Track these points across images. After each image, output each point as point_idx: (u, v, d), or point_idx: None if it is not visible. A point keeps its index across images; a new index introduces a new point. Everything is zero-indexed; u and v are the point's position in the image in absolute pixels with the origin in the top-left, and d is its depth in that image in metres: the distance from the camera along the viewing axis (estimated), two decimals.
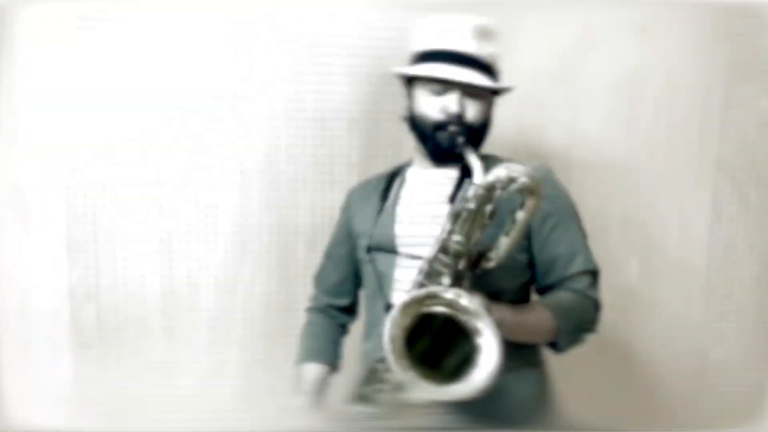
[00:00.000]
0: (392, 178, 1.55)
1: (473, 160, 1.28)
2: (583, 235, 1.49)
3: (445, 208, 1.35)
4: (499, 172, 1.20)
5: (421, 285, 1.24)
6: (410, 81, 1.47)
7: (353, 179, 1.97)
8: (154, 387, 2.02)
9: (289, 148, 1.96)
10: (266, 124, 1.95)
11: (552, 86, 1.99)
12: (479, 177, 1.24)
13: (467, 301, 1.17)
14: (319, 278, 1.67)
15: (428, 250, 1.26)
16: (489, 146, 1.99)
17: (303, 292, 2.00)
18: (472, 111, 1.40)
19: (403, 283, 1.38)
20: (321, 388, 1.56)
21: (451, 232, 1.23)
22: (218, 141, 1.94)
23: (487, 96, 1.44)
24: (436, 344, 1.21)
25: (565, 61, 1.98)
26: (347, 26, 1.92)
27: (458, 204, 1.24)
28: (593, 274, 1.47)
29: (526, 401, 1.47)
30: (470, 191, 1.23)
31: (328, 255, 1.65)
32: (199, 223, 1.97)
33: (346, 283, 1.61)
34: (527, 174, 1.19)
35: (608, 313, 2.10)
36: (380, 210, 1.48)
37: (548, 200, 1.37)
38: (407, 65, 1.47)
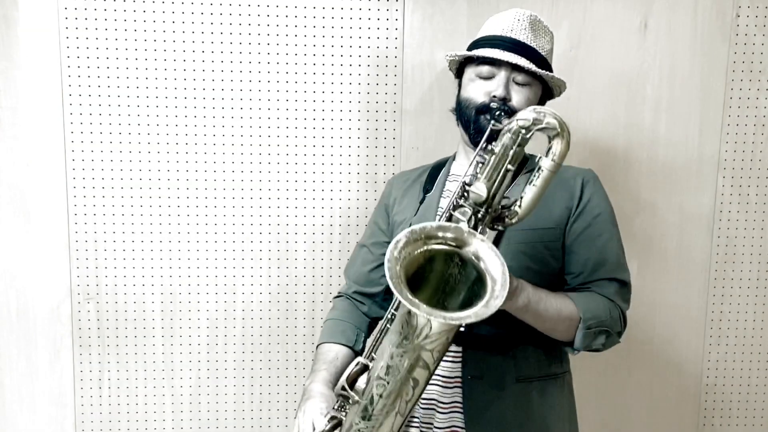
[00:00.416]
0: (436, 169, 1.52)
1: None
2: (620, 246, 1.44)
3: None
4: (525, 113, 1.15)
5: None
6: (461, 70, 1.47)
7: (354, 178, 1.97)
8: (154, 387, 2.03)
9: (289, 147, 1.96)
10: (266, 123, 1.95)
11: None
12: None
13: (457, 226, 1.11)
14: (350, 268, 1.60)
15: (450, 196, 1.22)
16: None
17: (303, 292, 2.01)
18: (517, 97, 1.38)
19: None
20: (339, 366, 1.42)
21: (473, 177, 1.19)
22: (218, 141, 1.94)
23: (534, 86, 1.41)
24: (444, 288, 1.15)
25: (565, 60, 1.98)
26: (355, 21, 1.92)
27: (482, 150, 1.20)
28: (623, 284, 1.42)
29: (550, 414, 1.41)
30: (496, 137, 1.18)
31: (363, 244, 1.59)
32: (200, 223, 1.97)
33: (375, 272, 1.54)
34: (554, 114, 1.13)
35: None
36: (422, 200, 1.46)
37: (592, 195, 1.39)
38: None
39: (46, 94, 1.89)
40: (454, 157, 1.53)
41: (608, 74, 2.00)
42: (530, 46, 1.39)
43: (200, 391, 2.03)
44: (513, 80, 1.38)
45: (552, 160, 1.13)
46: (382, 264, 1.42)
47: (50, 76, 1.88)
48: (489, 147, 1.19)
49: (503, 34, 1.39)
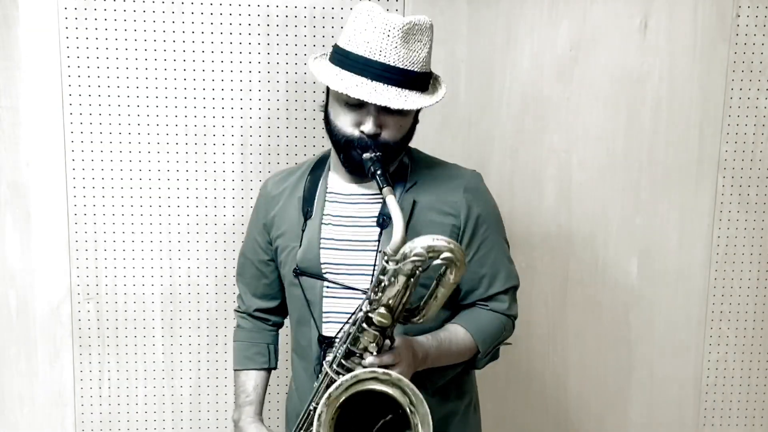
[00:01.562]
0: (312, 180, 1.40)
1: (395, 214, 1.15)
2: (506, 247, 1.43)
3: (374, 233, 1.30)
4: (419, 250, 1.11)
5: (347, 350, 1.19)
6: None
7: None
8: (154, 387, 2.03)
9: (289, 147, 1.96)
10: (265, 123, 1.95)
11: (552, 86, 1.99)
12: (398, 236, 1.13)
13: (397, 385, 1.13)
14: (244, 279, 1.53)
15: (350, 322, 1.21)
16: (489, 145, 2.00)
17: None
18: (390, 130, 1.27)
19: (333, 315, 1.33)
20: (261, 393, 1.49)
21: (373, 302, 1.15)
22: (218, 141, 1.94)
23: (408, 112, 1.30)
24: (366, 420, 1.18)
25: (566, 60, 1.98)
26: None
27: (377, 272, 1.17)
28: (515, 288, 1.42)
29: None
30: (387, 263, 1.14)
31: (250, 257, 1.50)
32: (199, 223, 1.97)
33: (272, 286, 1.49)
34: (450, 248, 1.11)
35: (608, 313, 2.11)
36: (303, 226, 1.36)
37: (478, 207, 1.34)
38: (328, 57, 1.32)
39: (46, 94, 1.89)
40: (329, 166, 1.41)
41: (608, 74, 2.00)
42: (402, 69, 1.23)
43: (200, 391, 2.03)
44: (385, 110, 1.25)
45: (450, 279, 1.15)
46: (275, 279, 1.47)
47: (50, 76, 1.88)
48: (384, 268, 1.15)
49: (371, 57, 1.22)
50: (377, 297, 1.15)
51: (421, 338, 1.28)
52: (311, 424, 1.17)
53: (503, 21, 1.96)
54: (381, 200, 1.29)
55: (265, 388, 1.51)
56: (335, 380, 1.16)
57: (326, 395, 1.13)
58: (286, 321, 1.54)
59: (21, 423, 2.01)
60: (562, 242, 2.05)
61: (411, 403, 1.13)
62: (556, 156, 2.02)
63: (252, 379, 1.49)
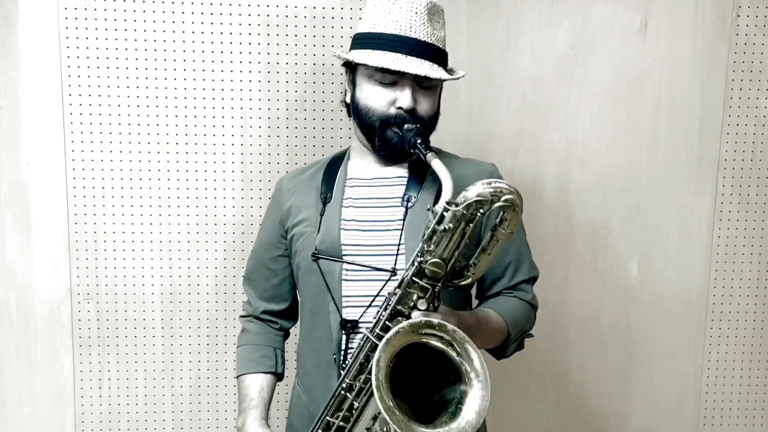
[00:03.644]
0: (331, 168, 1.40)
1: (443, 173, 1.15)
2: (527, 243, 1.44)
3: (398, 212, 1.28)
4: (482, 190, 1.10)
5: (394, 310, 1.15)
6: (352, 65, 1.33)
7: None
8: (154, 387, 2.03)
9: (289, 147, 1.96)
10: (266, 123, 1.95)
11: (552, 86, 1.99)
12: (449, 192, 1.13)
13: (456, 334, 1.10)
14: (252, 282, 1.51)
15: (402, 272, 1.17)
16: (489, 145, 2.00)
17: None
18: (424, 104, 1.29)
19: (353, 299, 1.30)
20: (266, 397, 1.44)
21: (426, 253, 1.13)
22: (218, 141, 1.94)
23: (438, 85, 1.33)
24: (418, 378, 1.15)
25: (565, 61, 1.98)
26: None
27: (432, 222, 1.13)
28: (536, 278, 1.44)
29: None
30: (446, 210, 1.11)
31: (260, 257, 1.48)
32: (199, 223, 1.97)
33: (282, 287, 1.47)
34: (511, 191, 1.10)
35: (608, 313, 2.11)
36: (322, 211, 1.34)
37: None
38: (351, 47, 1.34)
39: (46, 94, 1.89)
40: (348, 156, 1.40)
41: (608, 74, 2.00)
42: (432, 45, 1.27)
43: (200, 391, 2.03)
44: (419, 85, 1.27)
45: (506, 229, 1.12)
46: (286, 278, 1.44)
47: (50, 76, 1.88)
48: (436, 214, 1.13)
49: (402, 34, 1.25)
50: (429, 248, 1.13)
51: (462, 312, 1.26)
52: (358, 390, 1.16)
53: (503, 21, 1.96)
54: (404, 182, 1.31)
55: (272, 394, 1.46)
56: (377, 345, 1.12)
57: (384, 340, 1.08)
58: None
59: (21, 423, 2.01)
60: (562, 242, 2.05)
61: (463, 358, 1.11)
62: (556, 156, 2.02)
63: (257, 382, 1.43)
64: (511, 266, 1.38)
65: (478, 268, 1.16)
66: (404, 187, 1.32)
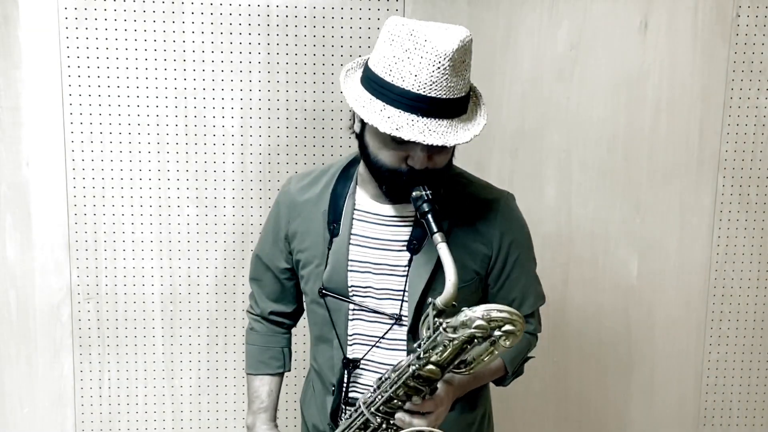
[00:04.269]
0: (336, 196, 1.33)
1: (447, 263, 1.10)
2: (534, 266, 1.41)
3: (404, 257, 1.27)
4: (481, 323, 1.05)
5: (387, 400, 1.17)
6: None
7: None
8: (154, 387, 2.03)
9: (289, 147, 1.96)
10: (266, 123, 1.95)
11: (552, 86, 1.99)
12: (452, 289, 1.09)
13: None
14: (259, 283, 1.48)
15: (398, 372, 1.17)
16: (489, 145, 2.00)
17: None
18: (438, 160, 1.20)
19: (359, 337, 1.31)
20: (275, 399, 1.47)
21: (423, 359, 1.12)
22: (218, 141, 1.94)
23: None
24: None
25: (565, 61, 1.98)
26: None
27: (433, 335, 1.11)
28: (541, 305, 1.42)
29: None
30: (447, 333, 1.08)
31: (267, 262, 1.44)
32: (199, 223, 1.97)
33: (289, 291, 1.45)
34: (512, 320, 1.06)
35: (608, 313, 2.11)
36: (329, 244, 1.30)
37: (510, 234, 1.31)
38: (360, 78, 1.22)
39: (46, 94, 1.89)
40: (356, 181, 1.32)
41: (608, 74, 2.00)
42: (452, 100, 1.14)
43: (200, 391, 2.03)
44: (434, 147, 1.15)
45: (506, 344, 1.08)
46: (292, 286, 1.44)
47: (50, 76, 1.88)
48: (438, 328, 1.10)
49: (420, 92, 1.11)
50: (427, 355, 1.12)
51: (456, 376, 1.24)
52: None
53: (503, 21, 1.96)
54: (411, 222, 1.27)
55: (279, 393, 1.48)
56: (371, 421, 1.18)
57: None
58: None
59: (21, 423, 2.01)
60: (562, 242, 2.05)
61: None
62: (556, 156, 2.02)
63: (266, 384, 1.45)
64: (515, 302, 1.35)
65: (476, 367, 1.14)
66: (410, 228, 1.28)
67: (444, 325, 1.08)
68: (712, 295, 2.11)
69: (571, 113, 2.00)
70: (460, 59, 1.13)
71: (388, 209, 1.29)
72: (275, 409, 1.46)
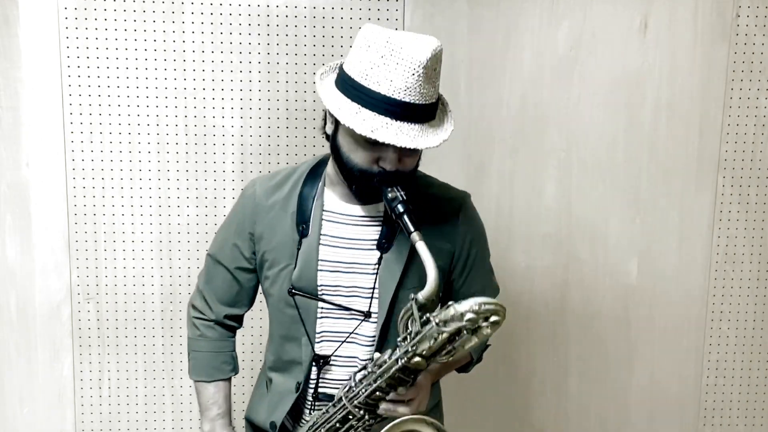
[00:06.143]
0: (304, 198, 1.34)
1: (428, 262, 1.14)
2: (489, 259, 1.45)
3: (373, 256, 1.29)
4: (471, 316, 1.07)
5: (372, 395, 1.20)
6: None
7: None
8: (154, 387, 2.03)
9: (289, 147, 1.96)
10: (266, 123, 1.95)
11: (552, 86, 1.99)
12: (433, 284, 1.13)
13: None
14: (212, 285, 1.44)
15: (383, 369, 1.18)
16: (489, 145, 2.00)
17: None
18: (408, 162, 1.24)
19: (328, 334, 1.33)
20: (230, 402, 1.47)
21: (410, 353, 1.14)
22: (218, 140, 1.94)
23: None
24: None
25: (565, 60, 1.98)
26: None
27: (421, 326, 1.13)
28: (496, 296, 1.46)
29: None
30: (435, 326, 1.10)
31: (225, 263, 1.42)
32: (199, 223, 1.97)
33: (244, 293, 1.44)
34: (497, 311, 1.07)
35: (608, 313, 2.11)
36: (299, 245, 1.32)
37: (471, 232, 1.37)
38: (335, 81, 1.24)
39: (45, 94, 1.89)
40: (324, 182, 1.34)
41: (608, 74, 2.00)
42: (425, 105, 1.19)
43: None
44: (405, 149, 1.20)
45: (488, 331, 1.10)
46: (250, 288, 1.44)
47: (50, 76, 1.88)
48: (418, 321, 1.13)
49: (395, 97, 1.16)
50: (414, 348, 1.14)
51: (432, 366, 1.25)
52: None
53: (503, 21, 1.96)
54: (380, 222, 1.30)
55: (229, 397, 1.49)
56: (353, 413, 1.21)
57: None
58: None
59: (21, 423, 2.01)
60: (562, 242, 2.05)
61: None
62: (556, 156, 2.02)
63: (221, 389, 1.46)
64: (476, 295, 1.35)
65: (456, 353, 1.16)
66: (380, 228, 1.31)
67: (436, 320, 1.11)
68: (712, 295, 2.11)
69: (571, 113, 2.00)
70: (432, 67, 1.18)
71: (356, 209, 1.32)
72: (230, 413, 1.47)
